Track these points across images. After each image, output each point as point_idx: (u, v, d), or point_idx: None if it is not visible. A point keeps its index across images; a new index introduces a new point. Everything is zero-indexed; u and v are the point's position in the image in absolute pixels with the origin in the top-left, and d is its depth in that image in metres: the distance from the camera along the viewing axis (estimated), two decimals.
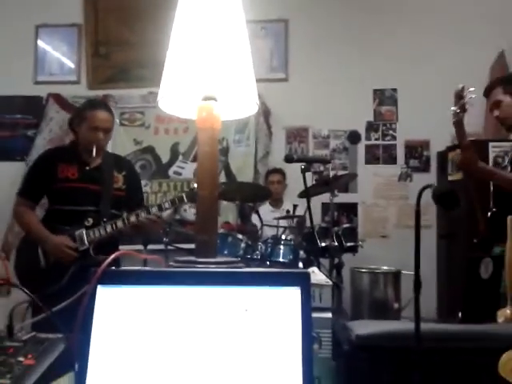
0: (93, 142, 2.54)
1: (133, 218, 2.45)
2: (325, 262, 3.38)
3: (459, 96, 2.15)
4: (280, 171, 4.38)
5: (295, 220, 3.93)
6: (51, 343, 0.91)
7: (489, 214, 2.35)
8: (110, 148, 4.64)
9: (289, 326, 0.82)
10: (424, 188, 0.87)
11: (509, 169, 2.35)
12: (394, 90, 4.82)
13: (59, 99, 4.91)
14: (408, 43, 4.72)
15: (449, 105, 2.52)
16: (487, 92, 2.40)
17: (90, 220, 2.48)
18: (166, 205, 2.52)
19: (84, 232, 2.46)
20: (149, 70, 4.79)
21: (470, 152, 2.20)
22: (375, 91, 4.85)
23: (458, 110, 2.16)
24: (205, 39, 1.06)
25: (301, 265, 3.28)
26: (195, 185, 2.50)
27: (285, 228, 3.70)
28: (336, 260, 3.50)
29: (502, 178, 2.24)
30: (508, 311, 1.24)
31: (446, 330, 1.07)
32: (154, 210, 2.47)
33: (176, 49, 1.09)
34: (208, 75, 1.04)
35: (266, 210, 4.30)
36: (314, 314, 0.97)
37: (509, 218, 1.28)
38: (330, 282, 1.06)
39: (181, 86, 1.06)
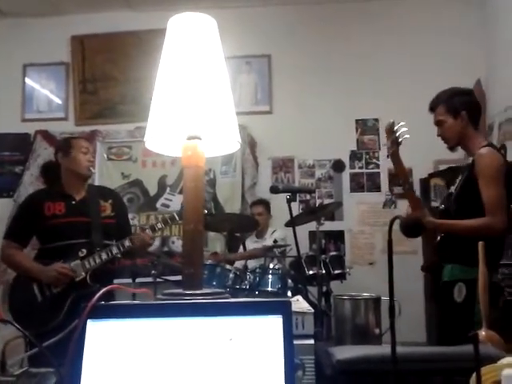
0: (88, 164, 2.62)
1: (127, 243, 2.49)
2: (314, 289, 3.41)
3: (391, 131, 2.19)
4: (263, 202, 4.36)
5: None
6: (42, 377, 0.93)
7: (438, 238, 2.33)
8: (97, 181, 4.73)
9: (272, 354, 0.85)
10: (393, 220, 0.94)
11: (453, 195, 2.30)
12: (376, 119, 4.94)
13: (47, 136, 4.94)
14: (388, 73, 4.85)
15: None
16: (432, 108, 2.40)
17: (84, 251, 2.48)
18: (159, 225, 2.58)
19: (79, 262, 2.46)
20: (134, 106, 4.87)
21: (418, 210, 2.20)
22: (357, 121, 4.96)
23: (390, 145, 2.20)
24: (188, 81, 1.12)
25: (289, 293, 3.30)
26: None
27: (271, 257, 3.73)
28: (324, 288, 3.53)
29: (457, 227, 2.18)
30: (483, 333, 1.30)
31: (420, 352, 1.11)
32: (148, 231, 2.54)
33: (161, 91, 1.15)
34: (192, 116, 1.10)
35: (251, 240, 4.33)
36: (297, 341, 1.00)
37: (480, 243, 1.33)
38: (312, 310, 1.10)
39: (166, 126, 1.12)
